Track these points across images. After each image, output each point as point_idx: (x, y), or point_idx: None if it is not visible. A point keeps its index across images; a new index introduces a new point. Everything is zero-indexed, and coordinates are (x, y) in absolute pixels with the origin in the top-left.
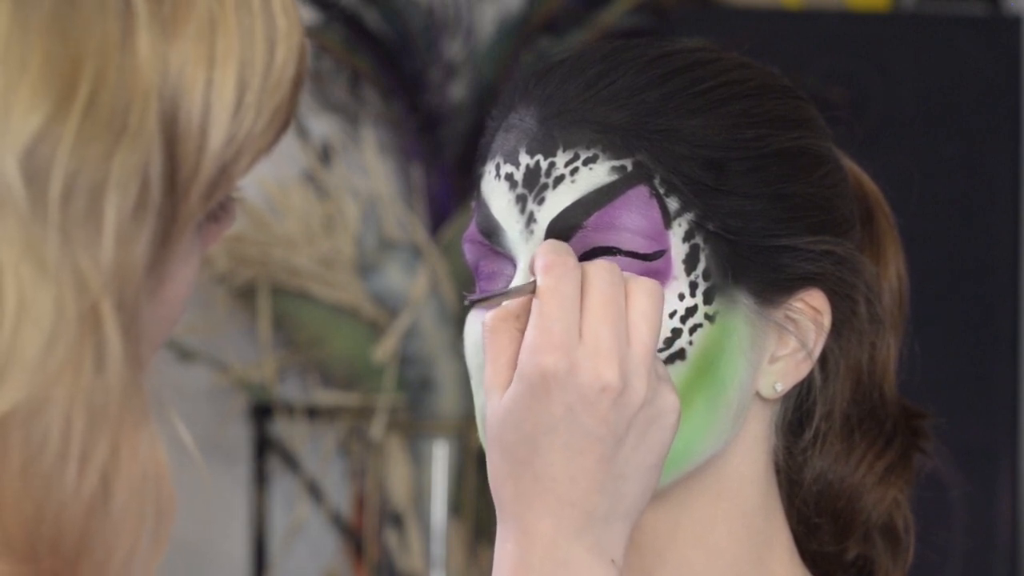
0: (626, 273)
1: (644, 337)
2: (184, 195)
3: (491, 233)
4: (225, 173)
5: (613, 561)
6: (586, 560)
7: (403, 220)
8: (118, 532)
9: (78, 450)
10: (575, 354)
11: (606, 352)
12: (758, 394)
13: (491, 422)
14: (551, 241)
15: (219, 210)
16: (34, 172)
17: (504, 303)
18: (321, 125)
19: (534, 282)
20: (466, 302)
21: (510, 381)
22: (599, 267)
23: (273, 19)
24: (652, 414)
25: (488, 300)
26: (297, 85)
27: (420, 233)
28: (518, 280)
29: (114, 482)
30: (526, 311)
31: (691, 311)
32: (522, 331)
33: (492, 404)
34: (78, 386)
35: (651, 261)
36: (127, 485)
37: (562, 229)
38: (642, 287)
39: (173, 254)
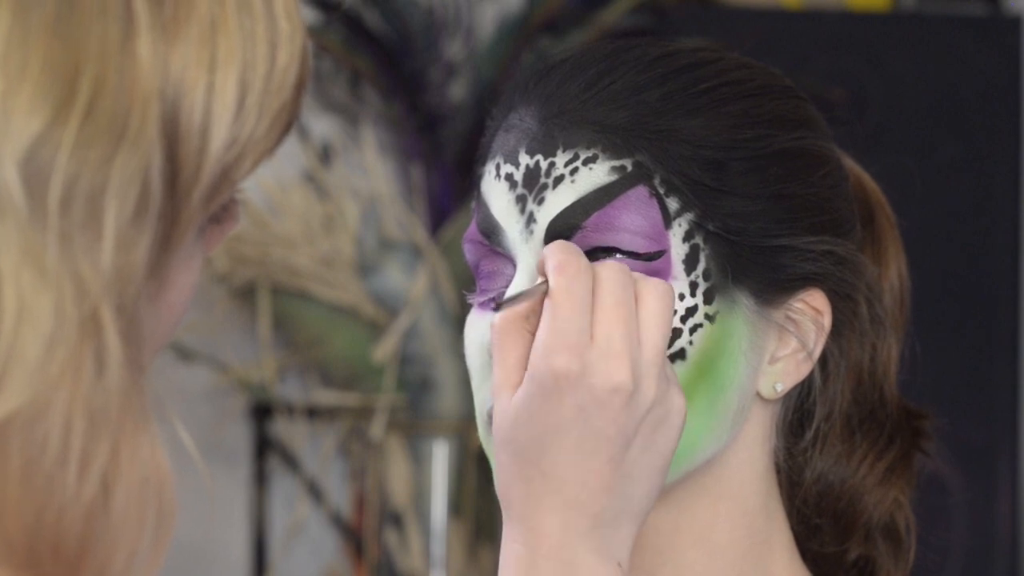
0: (636, 274)
1: (655, 338)
2: (185, 199)
3: (491, 233)
4: (226, 176)
5: (619, 564)
6: (592, 561)
7: (403, 220)
8: (118, 536)
9: (78, 454)
10: (587, 355)
11: (618, 353)
12: (758, 394)
13: (500, 423)
14: (560, 242)
15: (222, 211)
16: (33, 177)
17: (513, 304)
18: (321, 125)
19: (545, 283)
20: (489, 306)
21: (519, 382)
22: (610, 268)
23: (275, 22)
24: (660, 415)
25: (510, 302)
26: (300, 88)
27: (420, 233)
28: (519, 281)
29: (114, 486)
30: (535, 312)
31: (691, 311)
32: (531, 332)
33: (501, 405)
34: (78, 390)
35: (651, 261)
36: (127, 489)
37: (562, 229)
38: (653, 288)
39: (174, 258)
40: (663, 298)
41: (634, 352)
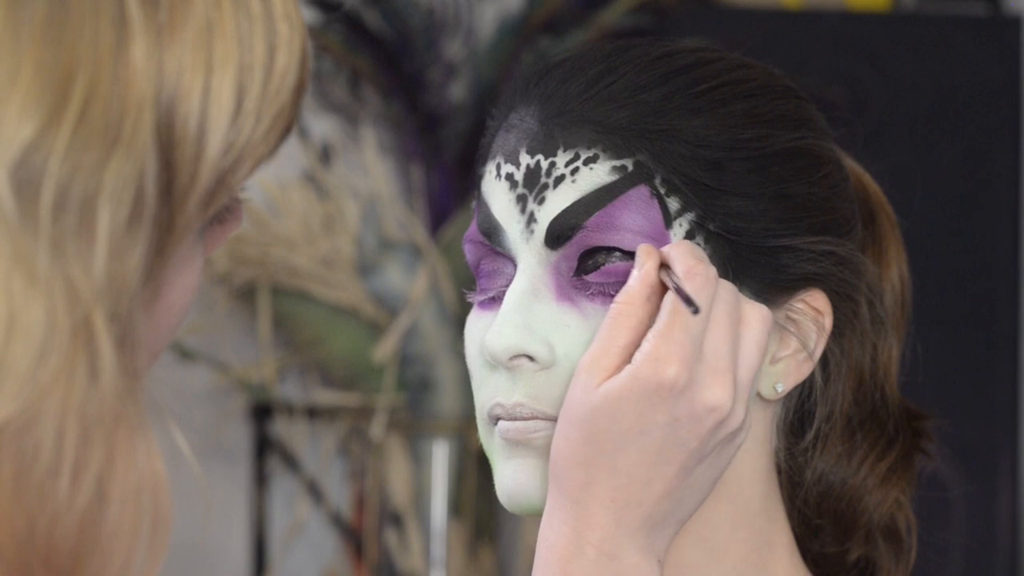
0: (740, 294)
1: (754, 363)
2: (181, 204)
3: (491, 233)
4: (224, 181)
5: (659, 561)
6: (636, 558)
7: (403, 220)
8: (113, 543)
9: (71, 462)
10: (696, 369)
11: (724, 371)
12: (759, 395)
13: (581, 402)
14: (688, 244)
15: (224, 212)
16: (25, 183)
17: (632, 285)
18: (321, 125)
19: (663, 275)
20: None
21: (616, 367)
22: (726, 286)
23: (274, 24)
24: (734, 434)
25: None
26: (299, 91)
27: (420, 233)
28: (519, 282)
29: (109, 493)
30: (657, 294)
31: None
32: (648, 319)
33: (588, 381)
34: (71, 398)
35: None
36: (122, 495)
37: (562, 229)
38: (758, 313)
39: (171, 262)
40: (765, 322)
41: (734, 373)
